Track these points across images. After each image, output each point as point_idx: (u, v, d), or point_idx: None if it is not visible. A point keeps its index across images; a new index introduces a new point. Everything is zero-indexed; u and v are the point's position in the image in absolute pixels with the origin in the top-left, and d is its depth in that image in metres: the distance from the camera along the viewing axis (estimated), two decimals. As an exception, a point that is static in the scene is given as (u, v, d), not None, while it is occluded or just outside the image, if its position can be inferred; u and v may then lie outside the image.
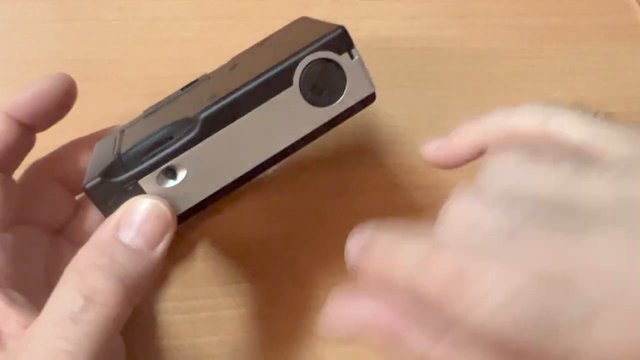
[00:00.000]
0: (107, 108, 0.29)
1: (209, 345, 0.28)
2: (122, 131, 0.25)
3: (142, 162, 0.21)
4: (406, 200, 0.32)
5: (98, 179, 0.21)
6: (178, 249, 0.29)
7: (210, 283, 0.29)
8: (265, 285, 0.30)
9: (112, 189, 0.21)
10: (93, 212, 0.26)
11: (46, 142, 0.26)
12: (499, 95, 0.35)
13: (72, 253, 0.25)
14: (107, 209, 0.22)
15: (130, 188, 0.21)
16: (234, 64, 0.27)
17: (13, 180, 0.24)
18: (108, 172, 0.21)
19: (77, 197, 0.28)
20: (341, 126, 0.23)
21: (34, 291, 0.23)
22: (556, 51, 0.36)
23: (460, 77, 0.35)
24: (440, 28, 0.36)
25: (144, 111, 0.27)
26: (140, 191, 0.21)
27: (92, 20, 0.32)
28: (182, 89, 0.27)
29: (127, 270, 0.19)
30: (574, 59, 0.36)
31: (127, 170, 0.21)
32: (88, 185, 0.21)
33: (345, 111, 0.23)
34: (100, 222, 0.25)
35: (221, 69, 0.27)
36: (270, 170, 0.23)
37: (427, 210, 0.32)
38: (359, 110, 0.23)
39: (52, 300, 0.19)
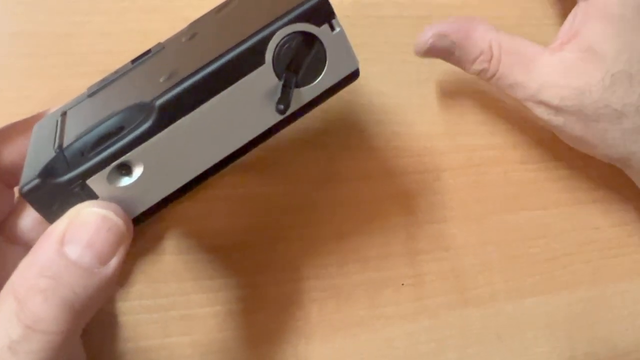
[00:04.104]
0: (59, 87, 0.27)
1: (180, 346, 0.27)
2: (65, 113, 0.22)
3: (90, 159, 0.18)
4: (400, 188, 0.30)
5: (37, 181, 0.18)
6: (144, 240, 0.27)
7: (181, 278, 0.27)
8: (242, 280, 0.28)
9: (55, 192, 0.18)
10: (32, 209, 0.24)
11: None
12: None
13: (10, 253, 0.23)
14: (50, 215, 0.19)
15: (77, 189, 0.19)
16: (193, 32, 0.24)
17: None
18: (48, 172, 0.18)
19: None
20: (325, 105, 0.21)
21: None
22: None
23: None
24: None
25: (88, 88, 0.24)
26: (89, 192, 0.19)
27: (39, -14, 0.29)
28: (133, 61, 0.24)
29: (74, 292, 0.17)
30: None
31: (71, 169, 0.18)
32: (25, 189, 0.18)
33: (324, 91, 0.20)
34: (41, 219, 0.23)
35: (177, 38, 0.25)
36: (246, 155, 0.21)
37: (423, 197, 0.30)
38: (341, 89, 0.21)
39: None
